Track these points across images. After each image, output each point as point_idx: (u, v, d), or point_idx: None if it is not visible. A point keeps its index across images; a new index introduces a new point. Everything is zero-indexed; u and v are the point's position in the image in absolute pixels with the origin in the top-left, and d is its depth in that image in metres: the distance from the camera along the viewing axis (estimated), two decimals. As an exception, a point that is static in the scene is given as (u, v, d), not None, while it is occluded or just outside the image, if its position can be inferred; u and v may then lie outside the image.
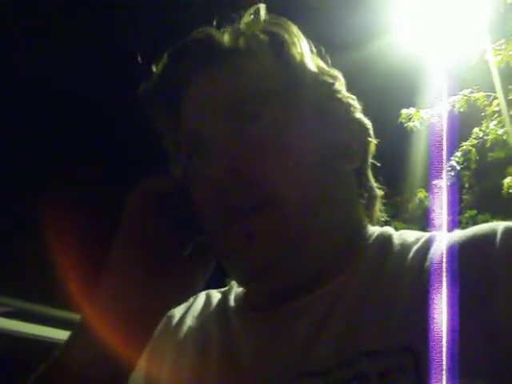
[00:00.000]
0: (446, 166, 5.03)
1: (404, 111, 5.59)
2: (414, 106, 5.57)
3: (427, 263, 0.56)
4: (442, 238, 0.58)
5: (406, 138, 5.91)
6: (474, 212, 6.29)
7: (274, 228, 0.56)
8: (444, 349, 0.50)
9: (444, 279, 0.53)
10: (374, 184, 0.65)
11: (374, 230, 0.63)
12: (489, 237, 0.54)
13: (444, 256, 0.55)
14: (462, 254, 0.54)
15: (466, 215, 6.23)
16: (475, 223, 5.81)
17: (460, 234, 0.57)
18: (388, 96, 5.85)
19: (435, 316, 0.52)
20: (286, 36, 0.62)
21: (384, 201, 0.66)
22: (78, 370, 0.56)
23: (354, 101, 0.64)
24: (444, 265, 0.55)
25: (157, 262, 0.58)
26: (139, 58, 0.66)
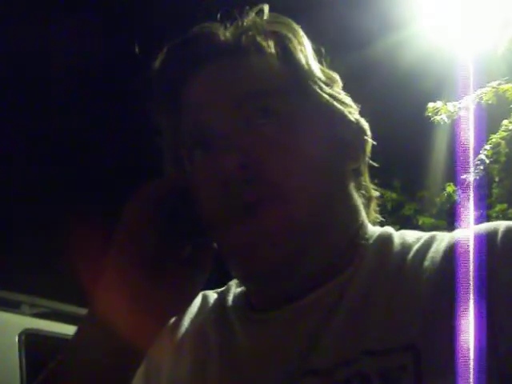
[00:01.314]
0: (474, 160, 4.93)
1: (430, 105, 5.49)
2: (440, 99, 5.48)
3: (428, 262, 0.56)
4: (443, 238, 0.58)
5: (432, 131, 5.82)
6: (505, 206, 6.15)
7: (282, 223, 0.56)
8: (447, 348, 0.50)
9: (445, 278, 0.53)
10: (370, 185, 0.66)
11: (375, 230, 0.63)
12: (490, 235, 0.54)
13: (445, 255, 0.55)
14: (462, 252, 0.54)
15: (496, 209, 6.09)
16: (505, 217, 5.69)
17: (461, 233, 0.57)
18: (413, 89, 5.77)
19: (437, 315, 0.51)
20: (290, 35, 0.62)
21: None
22: (83, 367, 0.57)
23: (351, 102, 0.65)
24: (445, 264, 0.54)
25: (155, 267, 0.58)
26: (137, 51, 0.66)
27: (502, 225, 0.55)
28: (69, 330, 2.52)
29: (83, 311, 2.67)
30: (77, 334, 0.59)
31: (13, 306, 2.57)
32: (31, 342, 2.35)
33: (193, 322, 0.69)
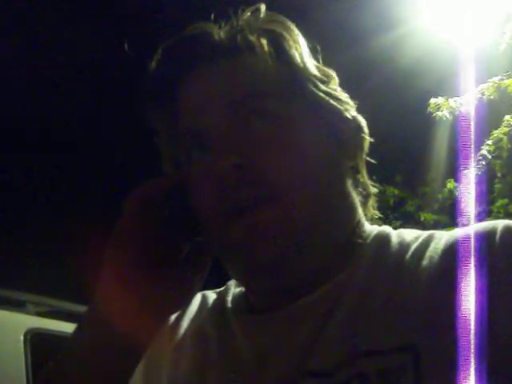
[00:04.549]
0: (476, 156, 4.93)
1: (432, 100, 5.48)
2: (441, 95, 5.46)
3: (426, 262, 0.56)
4: (442, 236, 0.58)
5: (434, 127, 5.81)
6: (506, 201, 6.14)
7: (279, 221, 0.56)
8: (446, 347, 0.50)
9: (444, 278, 0.53)
10: (368, 181, 0.65)
11: (372, 229, 0.63)
12: (489, 234, 0.54)
13: (443, 254, 0.55)
14: (461, 251, 0.54)
15: (498, 204, 6.08)
16: (507, 212, 5.69)
17: (460, 232, 0.57)
18: (414, 85, 5.75)
19: (436, 314, 0.51)
20: (285, 34, 0.62)
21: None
22: (82, 365, 0.57)
23: (348, 99, 0.64)
24: (443, 263, 0.54)
25: (152, 266, 0.58)
26: (130, 53, 0.66)
27: (500, 223, 0.55)
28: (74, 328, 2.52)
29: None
30: (76, 331, 0.60)
31: (18, 306, 2.57)
32: (36, 341, 2.35)
33: (192, 322, 0.69)
